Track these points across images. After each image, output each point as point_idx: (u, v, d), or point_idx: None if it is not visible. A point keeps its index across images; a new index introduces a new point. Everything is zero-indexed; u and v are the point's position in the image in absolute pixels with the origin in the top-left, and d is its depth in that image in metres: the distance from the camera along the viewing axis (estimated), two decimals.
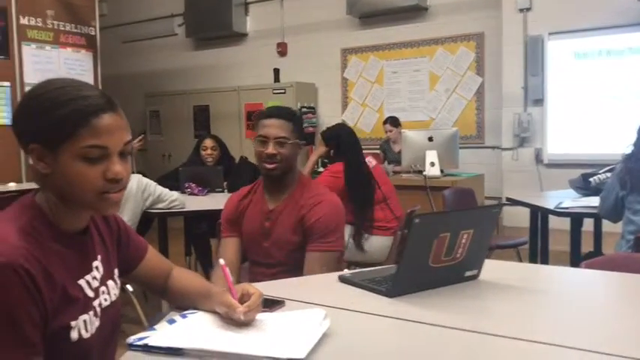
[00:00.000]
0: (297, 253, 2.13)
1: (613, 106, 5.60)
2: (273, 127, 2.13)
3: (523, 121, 6.00)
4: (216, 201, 4.12)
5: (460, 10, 6.66)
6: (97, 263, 1.25)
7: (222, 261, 1.40)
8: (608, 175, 3.38)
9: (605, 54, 5.67)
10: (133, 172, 3.85)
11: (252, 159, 5.61)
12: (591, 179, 3.61)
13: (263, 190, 2.25)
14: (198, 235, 4.44)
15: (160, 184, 4.25)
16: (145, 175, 3.66)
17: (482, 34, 6.55)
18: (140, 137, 4.43)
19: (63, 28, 5.66)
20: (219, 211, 3.63)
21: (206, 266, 4.34)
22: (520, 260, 4.25)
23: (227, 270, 1.34)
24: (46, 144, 1.10)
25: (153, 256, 1.44)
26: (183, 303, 1.40)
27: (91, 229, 1.27)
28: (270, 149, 2.11)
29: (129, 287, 3.10)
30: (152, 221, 3.88)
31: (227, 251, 2.23)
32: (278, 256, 2.18)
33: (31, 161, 1.14)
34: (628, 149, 2.75)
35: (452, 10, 6.70)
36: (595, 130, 5.68)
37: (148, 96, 8.46)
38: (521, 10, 6.02)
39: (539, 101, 5.96)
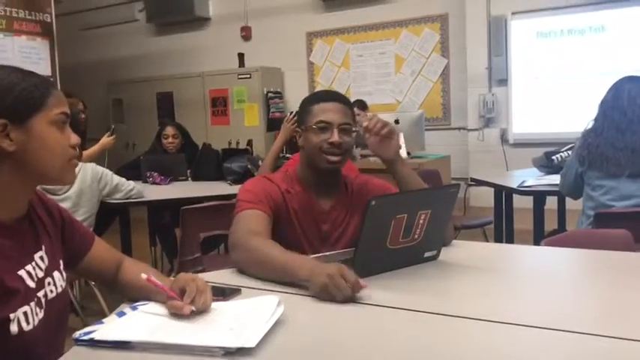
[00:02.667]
0: None
1: (576, 85, 5.66)
2: (337, 112, 1.80)
3: (488, 101, 6.03)
4: (180, 190, 4.08)
5: None
6: (41, 254, 1.22)
7: (144, 275, 1.27)
8: (570, 152, 3.40)
9: (567, 33, 5.71)
10: (103, 165, 3.78)
11: (217, 145, 5.58)
12: (554, 157, 3.64)
13: (304, 185, 1.86)
14: (162, 226, 4.37)
15: (120, 173, 4.14)
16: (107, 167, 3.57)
17: (447, 15, 6.54)
18: (111, 131, 4.31)
19: (16, 15, 5.46)
20: (184, 200, 3.62)
21: (171, 257, 4.27)
22: (486, 240, 4.29)
23: (154, 279, 1.26)
24: (15, 118, 1.14)
25: (101, 248, 1.39)
26: (135, 296, 1.35)
27: (33, 219, 1.24)
28: (336, 137, 1.77)
29: None
30: (116, 213, 3.80)
31: (260, 224, 1.67)
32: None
33: None
34: (589, 125, 2.76)
35: None
36: (559, 109, 5.73)
37: (110, 84, 8.27)
38: None
39: (504, 81, 5.99)
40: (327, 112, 1.80)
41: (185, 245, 3.10)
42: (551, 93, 5.78)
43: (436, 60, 6.66)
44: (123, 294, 1.40)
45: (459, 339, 1.16)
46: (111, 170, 4.25)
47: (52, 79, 5.65)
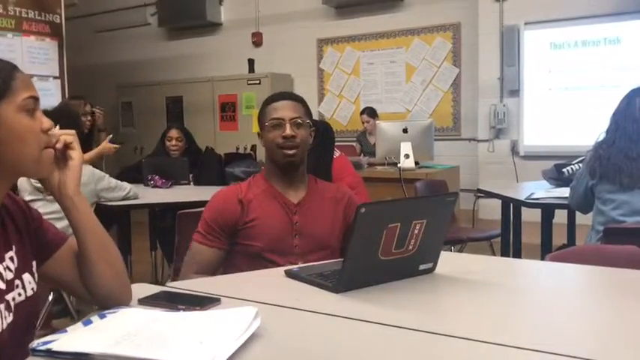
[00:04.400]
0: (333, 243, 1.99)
1: (589, 97, 5.54)
2: (287, 109, 1.95)
3: (499, 112, 5.93)
4: (181, 194, 4.00)
5: (436, 0, 6.55)
6: (11, 254, 1.15)
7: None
8: (581, 165, 3.30)
9: (581, 44, 5.61)
10: (101, 169, 3.72)
11: (225, 150, 5.52)
12: (564, 170, 3.53)
13: (271, 182, 1.99)
14: (163, 229, 4.30)
15: (123, 175, 4.10)
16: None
17: (459, 24, 6.46)
18: (109, 137, 4.24)
19: (25, 16, 5.45)
20: (184, 203, 3.55)
21: (171, 261, 4.19)
22: (493, 253, 4.17)
23: None
24: None
25: (70, 251, 1.29)
26: (82, 266, 1.25)
27: (4, 218, 1.17)
28: (288, 130, 1.91)
29: None
30: (115, 217, 3.73)
31: (206, 261, 1.92)
32: (310, 250, 1.93)
33: None
34: (601, 137, 2.67)
35: (428, 0, 6.60)
36: (571, 122, 5.62)
37: (120, 87, 8.27)
38: (497, 0, 5.93)
39: (515, 92, 5.89)
40: (279, 109, 1.95)
41: (181, 250, 3.02)
42: (564, 105, 5.67)
43: (447, 69, 6.57)
44: (88, 291, 1.29)
45: (444, 358, 1.07)
46: (114, 171, 4.22)
47: (58, 77, 5.64)
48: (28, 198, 2.95)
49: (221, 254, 1.93)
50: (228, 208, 1.94)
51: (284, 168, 1.96)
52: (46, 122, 1.15)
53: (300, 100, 2.01)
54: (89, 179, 3.19)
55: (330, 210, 2.01)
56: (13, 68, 1.13)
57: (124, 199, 3.39)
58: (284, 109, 1.95)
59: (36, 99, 1.13)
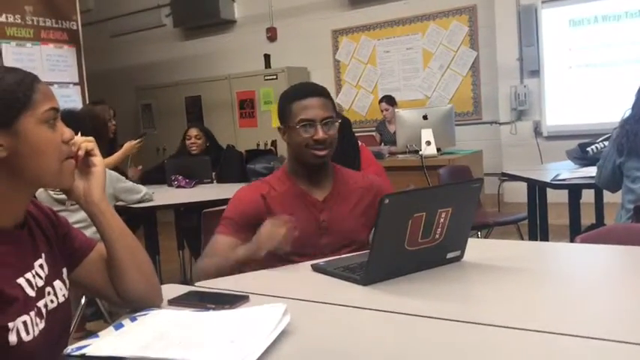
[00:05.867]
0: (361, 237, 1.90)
1: (612, 74, 5.43)
2: (317, 108, 1.80)
3: (520, 93, 5.84)
4: (205, 192, 4.03)
5: None
6: (40, 261, 1.16)
7: None
8: (606, 143, 3.23)
9: (601, 19, 5.49)
10: (125, 172, 3.76)
11: (246, 147, 5.53)
12: (589, 149, 3.47)
13: (295, 181, 1.88)
14: (189, 229, 4.33)
15: (146, 177, 4.14)
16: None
17: (474, 6, 6.36)
18: (141, 139, 4.29)
19: (43, 24, 5.52)
20: (209, 202, 3.57)
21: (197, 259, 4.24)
22: (521, 237, 4.12)
23: None
24: (0, 122, 1.06)
25: (100, 256, 1.31)
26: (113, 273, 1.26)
27: (31, 226, 1.18)
28: (321, 134, 1.78)
29: None
30: (141, 219, 3.77)
31: (220, 248, 1.80)
32: (340, 247, 1.84)
33: None
34: (627, 113, 2.61)
35: None
36: (594, 99, 5.51)
37: (139, 89, 8.33)
38: None
39: (536, 72, 5.79)
40: (308, 109, 1.80)
41: None
42: (586, 83, 5.56)
43: (465, 53, 6.49)
44: (119, 295, 1.30)
45: (485, 349, 1.04)
46: (137, 174, 4.27)
47: (78, 83, 5.70)
48: None
49: (239, 244, 1.77)
50: (251, 204, 1.85)
51: (312, 168, 1.86)
52: (67, 133, 1.15)
53: (327, 95, 1.87)
54: (108, 182, 3.22)
55: (358, 202, 1.90)
56: (33, 80, 1.12)
57: (139, 201, 3.40)
58: (314, 109, 1.79)
59: (57, 110, 1.13)
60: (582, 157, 3.54)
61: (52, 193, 2.95)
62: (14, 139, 1.07)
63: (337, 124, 1.85)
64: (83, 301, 3.28)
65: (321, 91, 1.86)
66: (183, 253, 4.57)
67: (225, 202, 3.44)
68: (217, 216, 3.05)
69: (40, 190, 2.89)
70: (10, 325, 1.03)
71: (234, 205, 1.89)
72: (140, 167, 4.43)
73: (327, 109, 1.81)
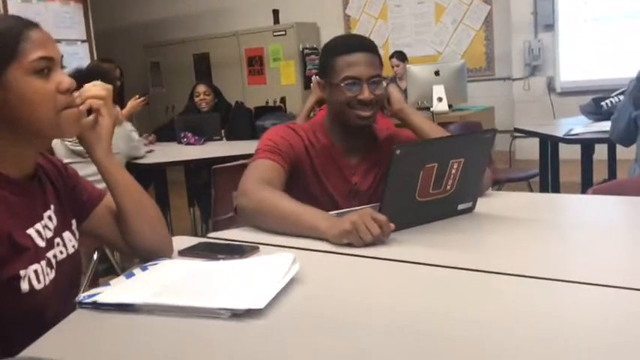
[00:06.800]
0: None
1: (629, 27, 5.30)
2: (364, 65, 1.62)
3: (534, 48, 5.73)
4: (215, 149, 4.02)
5: None
6: (49, 213, 1.17)
7: None
8: (622, 97, 3.17)
9: None
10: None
11: (255, 104, 5.49)
12: (603, 103, 3.41)
13: (332, 140, 1.73)
14: (199, 186, 4.34)
15: (157, 135, 4.14)
16: None
17: None
18: (144, 97, 4.26)
19: None
20: (219, 159, 3.57)
21: (207, 217, 4.25)
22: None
23: None
24: None
25: (109, 206, 1.31)
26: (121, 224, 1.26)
27: (41, 178, 1.18)
28: (367, 93, 1.61)
29: None
30: (153, 175, 3.80)
31: (273, 175, 1.58)
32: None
33: None
34: None
35: None
36: (610, 54, 5.40)
37: (146, 47, 8.25)
38: None
39: (550, 26, 5.67)
40: (354, 66, 1.62)
41: (218, 205, 3.06)
42: (602, 37, 5.44)
43: (478, 7, 6.35)
44: (129, 244, 1.31)
45: (495, 297, 1.04)
46: (147, 132, 4.27)
47: (85, 40, 5.63)
48: (65, 162, 2.99)
49: (284, 176, 1.61)
50: (298, 143, 1.68)
51: (352, 129, 1.70)
52: (65, 82, 1.09)
53: (375, 51, 1.69)
54: (122, 139, 3.22)
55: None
56: (24, 28, 1.07)
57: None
58: (360, 66, 1.62)
59: (49, 59, 1.07)
60: (596, 112, 3.48)
61: (68, 144, 2.94)
62: (3, 91, 1.04)
63: (385, 83, 1.70)
64: (95, 257, 3.32)
65: (369, 46, 1.68)
66: (193, 210, 4.60)
67: (235, 158, 3.47)
68: (227, 173, 3.06)
69: (57, 141, 2.88)
70: (22, 272, 1.04)
71: (276, 135, 1.68)
72: (152, 136, 4.39)
73: (374, 67, 1.65)
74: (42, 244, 1.11)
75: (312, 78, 3.59)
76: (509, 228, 1.45)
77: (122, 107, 4.19)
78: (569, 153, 3.50)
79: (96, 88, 1.22)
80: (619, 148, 3.34)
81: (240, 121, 4.16)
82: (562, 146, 3.45)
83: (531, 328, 0.89)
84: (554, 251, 1.28)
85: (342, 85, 1.62)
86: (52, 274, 1.12)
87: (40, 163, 1.20)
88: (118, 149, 3.18)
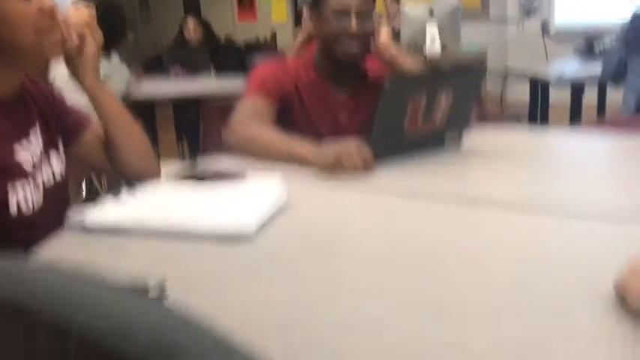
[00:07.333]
0: None
1: None
2: None
3: None
4: (204, 85, 3.98)
5: None
6: (35, 131, 1.17)
7: None
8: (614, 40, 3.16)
9: None
10: None
11: (245, 41, 5.41)
12: (596, 44, 3.37)
13: (321, 75, 1.71)
14: (188, 121, 4.32)
15: (145, 69, 4.08)
16: None
17: None
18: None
19: None
20: (208, 96, 3.53)
21: (195, 152, 4.25)
22: None
23: None
24: None
25: (97, 132, 1.30)
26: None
27: (26, 99, 1.18)
28: (354, 26, 1.58)
29: None
30: (142, 111, 3.74)
31: (263, 112, 1.60)
32: None
33: None
34: (639, 9, 2.53)
35: None
36: None
37: None
38: None
39: None
40: None
41: (207, 140, 3.06)
42: None
43: None
44: (116, 170, 1.33)
45: (482, 229, 1.04)
46: (136, 65, 4.19)
47: None
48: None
49: (274, 113, 1.62)
50: (287, 78, 1.68)
51: (341, 64, 1.68)
52: (46, 4, 1.07)
53: None
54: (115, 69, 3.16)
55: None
56: None
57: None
58: None
59: None
60: (588, 51, 3.45)
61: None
62: None
63: (373, 16, 1.66)
64: (84, 188, 3.33)
65: None
66: (182, 145, 4.59)
67: (224, 97, 3.43)
68: (216, 111, 3.04)
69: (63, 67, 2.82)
70: (10, 194, 1.05)
71: (265, 72, 1.69)
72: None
73: (364, 1, 1.61)
74: (29, 167, 1.12)
75: (304, 12, 3.52)
76: (497, 162, 1.47)
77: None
78: (560, 97, 3.50)
79: (79, 12, 1.20)
80: (609, 92, 3.34)
81: (230, 56, 4.12)
82: (554, 91, 3.44)
83: (513, 262, 0.89)
84: (539, 184, 1.30)
85: (329, 12, 1.60)
86: (40, 200, 1.12)
87: (26, 86, 1.19)
88: (118, 85, 3.15)
